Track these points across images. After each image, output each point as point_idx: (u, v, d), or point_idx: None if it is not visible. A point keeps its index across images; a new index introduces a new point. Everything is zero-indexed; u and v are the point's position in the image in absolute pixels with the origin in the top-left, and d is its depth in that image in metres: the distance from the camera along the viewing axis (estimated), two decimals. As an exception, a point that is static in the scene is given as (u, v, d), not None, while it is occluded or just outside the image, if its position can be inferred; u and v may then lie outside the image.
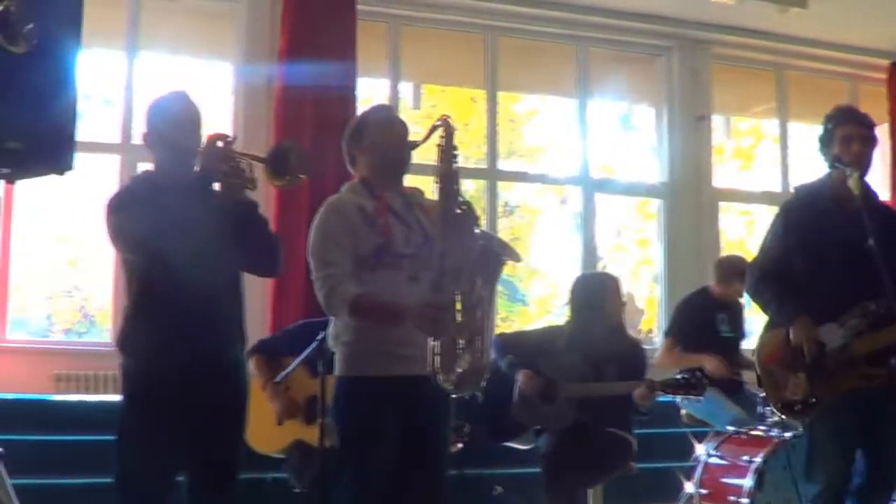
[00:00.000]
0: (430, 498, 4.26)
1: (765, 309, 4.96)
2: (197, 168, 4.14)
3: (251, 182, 4.17)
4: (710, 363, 6.77)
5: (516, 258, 4.49)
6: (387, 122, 4.41)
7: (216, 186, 4.16)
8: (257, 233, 4.26)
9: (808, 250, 4.78)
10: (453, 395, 4.09)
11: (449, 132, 4.14)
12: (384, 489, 4.08)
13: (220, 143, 4.14)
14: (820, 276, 4.71)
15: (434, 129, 4.16)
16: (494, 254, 4.16)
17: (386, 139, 4.33)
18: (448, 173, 4.12)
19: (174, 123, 4.26)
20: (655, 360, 7.14)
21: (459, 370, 3.92)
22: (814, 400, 4.66)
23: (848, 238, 4.64)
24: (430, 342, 3.92)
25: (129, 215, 4.09)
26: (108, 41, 9.11)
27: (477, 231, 4.16)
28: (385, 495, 4.09)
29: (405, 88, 10.10)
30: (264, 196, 4.36)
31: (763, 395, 5.58)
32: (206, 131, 4.30)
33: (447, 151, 4.14)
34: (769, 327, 4.95)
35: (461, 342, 3.93)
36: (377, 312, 4.10)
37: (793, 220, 4.93)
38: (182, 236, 3.96)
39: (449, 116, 4.18)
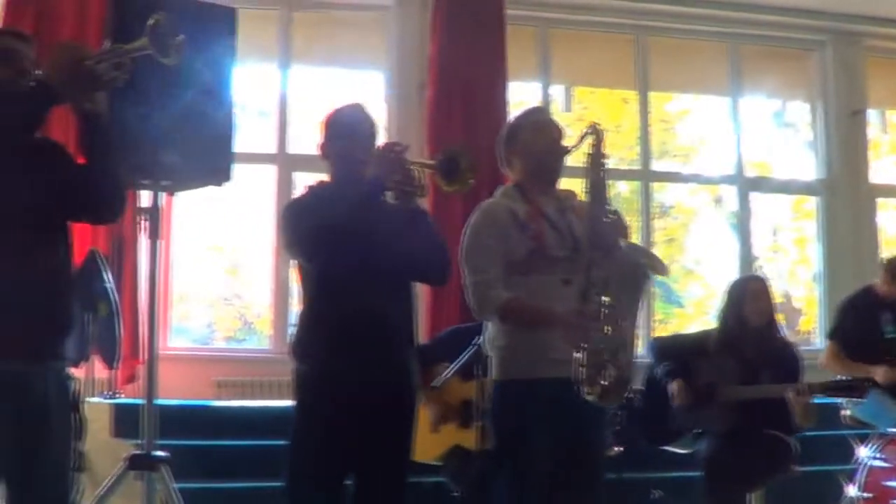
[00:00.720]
0: (586, 500, 4.24)
1: None
2: (370, 176, 4.16)
3: (422, 189, 4.20)
4: (881, 374, 6.57)
5: (663, 271, 4.43)
6: (541, 127, 4.40)
7: (388, 195, 4.20)
8: (426, 241, 4.28)
9: None
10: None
11: (598, 139, 4.13)
12: (541, 491, 4.07)
13: (393, 152, 4.17)
14: None
15: (584, 136, 4.14)
16: (641, 266, 4.12)
17: (540, 144, 4.33)
18: (597, 182, 4.11)
19: (351, 135, 4.31)
20: (820, 363, 6.99)
21: (604, 382, 3.91)
22: None
23: None
24: (575, 353, 3.91)
25: (305, 223, 4.13)
26: (262, 54, 9.30)
27: (625, 242, 4.13)
28: (542, 497, 4.08)
29: (556, 91, 10.07)
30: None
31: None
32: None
33: (596, 159, 4.13)
34: None
35: (606, 354, 3.92)
36: (527, 317, 4.12)
37: None
38: (356, 244, 4.00)
39: (598, 123, 4.17)
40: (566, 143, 4.31)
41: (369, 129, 4.38)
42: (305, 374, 4.22)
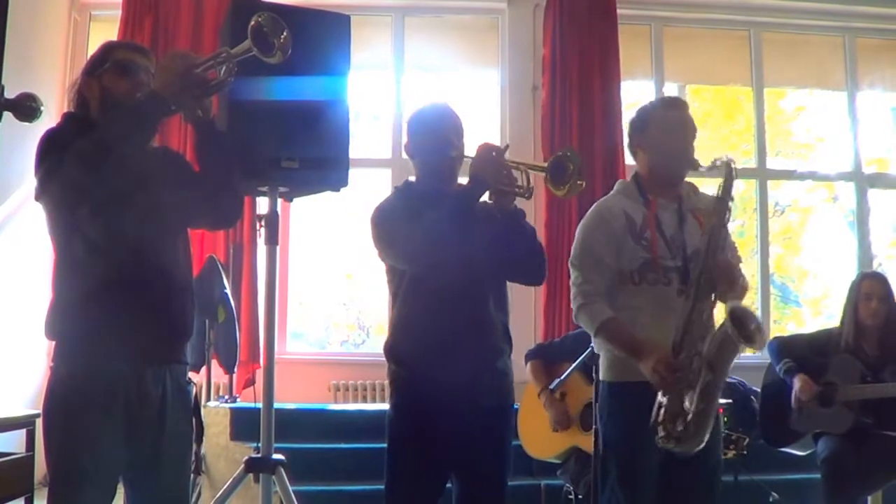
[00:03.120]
0: (698, 501, 4.20)
1: None
2: (471, 177, 4.15)
3: (527, 191, 4.16)
4: None
5: (754, 345, 4.26)
6: (674, 127, 4.29)
7: (486, 196, 4.18)
8: (524, 242, 4.24)
9: None
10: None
11: (730, 177, 4.07)
12: (649, 492, 4.05)
13: (493, 153, 4.16)
14: None
15: (716, 167, 4.08)
16: (733, 338, 3.98)
17: (670, 146, 4.26)
18: (718, 227, 4.04)
19: (432, 133, 4.30)
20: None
21: (680, 428, 3.85)
22: None
23: None
24: (660, 396, 3.89)
25: (394, 227, 4.15)
26: (377, 60, 9.40)
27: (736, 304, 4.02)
28: (651, 498, 4.05)
29: (670, 89, 10.00)
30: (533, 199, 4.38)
31: None
32: (476, 140, 4.31)
33: (723, 201, 4.07)
34: None
35: (688, 404, 3.85)
36: (619, 343, 4.10)
37: None
38: (455, 248, 3.99)
39: (733, 161, 4.09)
40: (698, 159, 4.23)
41: (452, 126, 4.34)
42: (402, 377, 4.23)
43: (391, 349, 4.29)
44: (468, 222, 4.05)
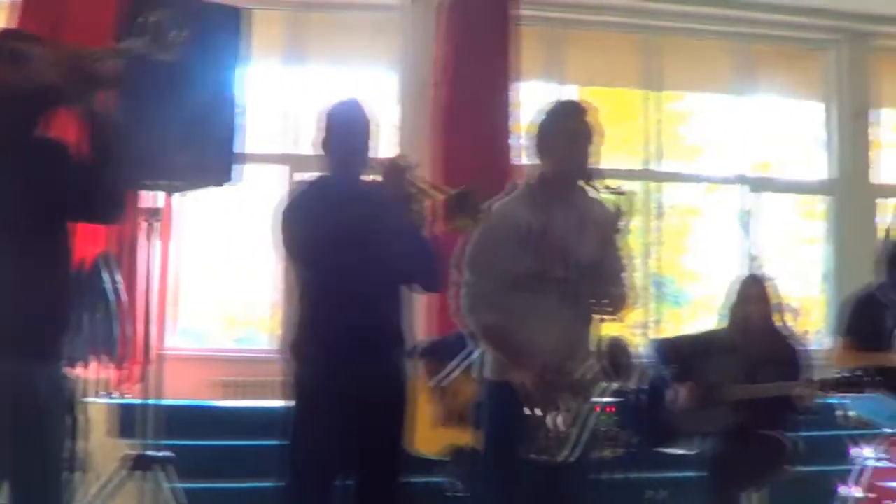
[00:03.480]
0: (575, 500, 4.24)
1: None
2: (373, 179, 4.15)
3: (421, 214, 4.18)
4: None
5: (624, 382, 4.35)
6: (574, 138, 4.26)
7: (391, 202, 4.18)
8: (421, 252, 4.26)
9: None
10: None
11: (628, 208, 4.16)
12: (529, 490, 4.08)
13: (402, 164, 4.16)
14: None
15: (615, 192, 4.14)
16: (604, 372, 4.05)
17: (570, 158, 4.26)
18: (611, 251, 4.20)
19: (343, 130, 4.31)
20: (833, 361, 6.99)
21: (544, 443, 3.96)
22: None
23: None
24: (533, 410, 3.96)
25: (302, 230, 4.17)
26: (271, 54, 9.32)
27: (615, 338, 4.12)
28: (530, 496, 4.09)
29: (568, 91, 10.02)
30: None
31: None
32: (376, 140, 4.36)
33: (617, 225, 4.18)
34: None
35: (554, 422, 3.96)
36: (500, 349, 4.16)
37: None
38: (352, 246, 4.01)
39: (633, 193, 4.23)
40: (597, 168, 4.25)
41: (363, 123, 4.36)
42: (300, 375, 4.25)
43: (290, 347, 4.30)
44: (366, 225, 4.05)
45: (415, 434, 6.03)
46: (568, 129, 4.29)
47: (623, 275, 4.27)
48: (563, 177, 4.29)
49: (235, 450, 7.08)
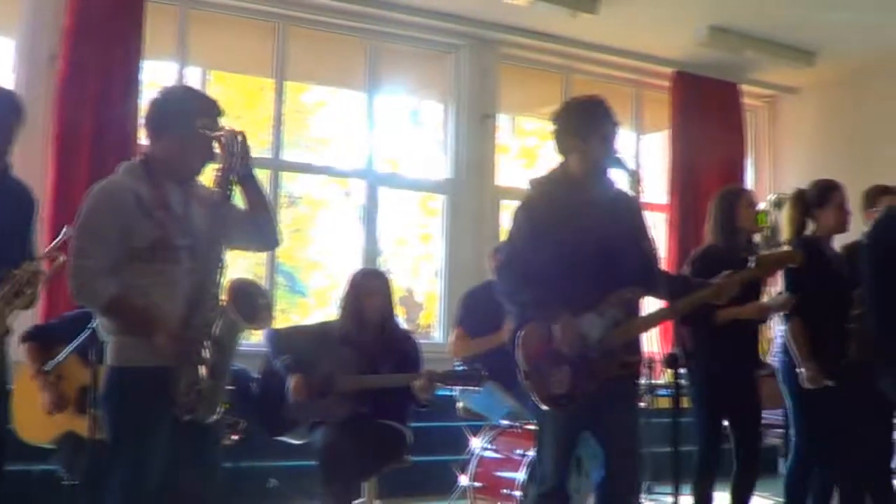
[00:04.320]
0: (201, 488, 4.19)
1: (523, 308, 4.86)
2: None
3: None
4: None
5: (257, 325, 4.39)
6: (193, 135, 4.18)
7: None
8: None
9: (558, 245, 4.67)
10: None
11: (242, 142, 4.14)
12: (155, 480, 3.99)
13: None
14: (573, 268, 4.68)
15: (224, 140, 4.12)
16: (234, 319, 4.08)
17: (189, 150, 4.20)
18: (223, 208, 4.16)
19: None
20: (450, 351, 7.19)
21: (192, 399, 3.97)
22: (578, 392, 4.66)
23: (594, 229, 4.68)
24: (175, 366, 3.96)
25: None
26: None
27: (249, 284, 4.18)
28: (156, 486, 4.00)
29: (193, 73, 9.88)
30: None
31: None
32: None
33: (225, 188, 4.14)
34: (522, 322, 4.84)
35: (200, 378, 3.98)
36: (129, 318, 4.06)
37: (537, 216, 4.80)
38: None
39: (242, 133, 4.15)
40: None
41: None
42: None
43: None
44: None
45: (24, 422, 5.82)
46: (185, 112, 4.23)
47: None
48: (176, 162, 4.23)
49: None
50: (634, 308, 4.83)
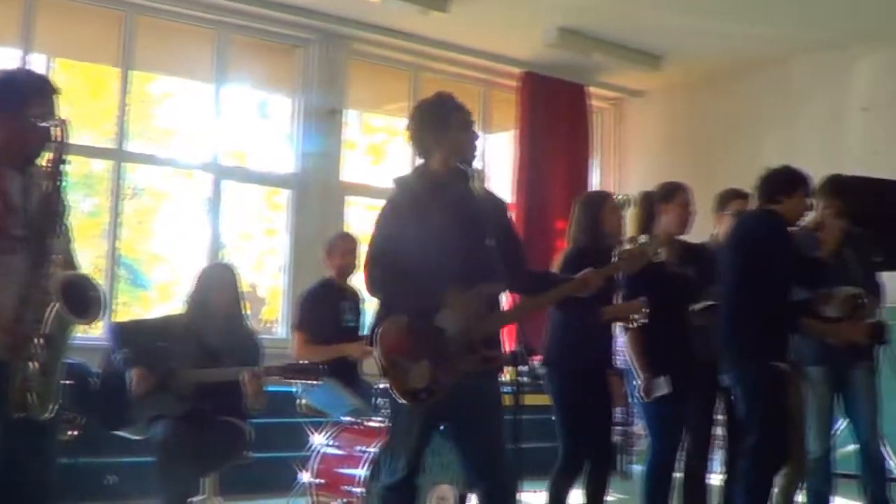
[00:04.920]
0: (38, 485, 4.12)
1: (389, 302, 4.90)
2: None
3: None
4: (355, 350, 6.98)
5: (87, 320, 4.32)
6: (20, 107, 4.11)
7: None
8: None
9: (419, 241, 4.71)
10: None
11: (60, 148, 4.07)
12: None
13: None
14: (434, 263, 4.72)
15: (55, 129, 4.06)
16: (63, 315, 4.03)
17: (20, 122, 4.09)
18: (53, 193, 4.10)
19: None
20: (293, 354, 7.16)
21: (26, 399, 3.91)
22: (437, 386, 4.69)
23: (455, 226, 4.73)
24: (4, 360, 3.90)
25: None
26: None
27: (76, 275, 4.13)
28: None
29: (38, 60, 9.63)
30: None
31: (383, 385, 5.74)
32: None
33: (56, 169, 4.09)
34: (383, 316, 4.87)
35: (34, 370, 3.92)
36: None
37: (401, 213, 4.86)
38: None
39: (67, 121, 4.07)
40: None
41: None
42: None
43: None
44: None
45: None
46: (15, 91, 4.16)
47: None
48: (11, 151, 4.14)
49: None
50: (495, 303, 4.88)
